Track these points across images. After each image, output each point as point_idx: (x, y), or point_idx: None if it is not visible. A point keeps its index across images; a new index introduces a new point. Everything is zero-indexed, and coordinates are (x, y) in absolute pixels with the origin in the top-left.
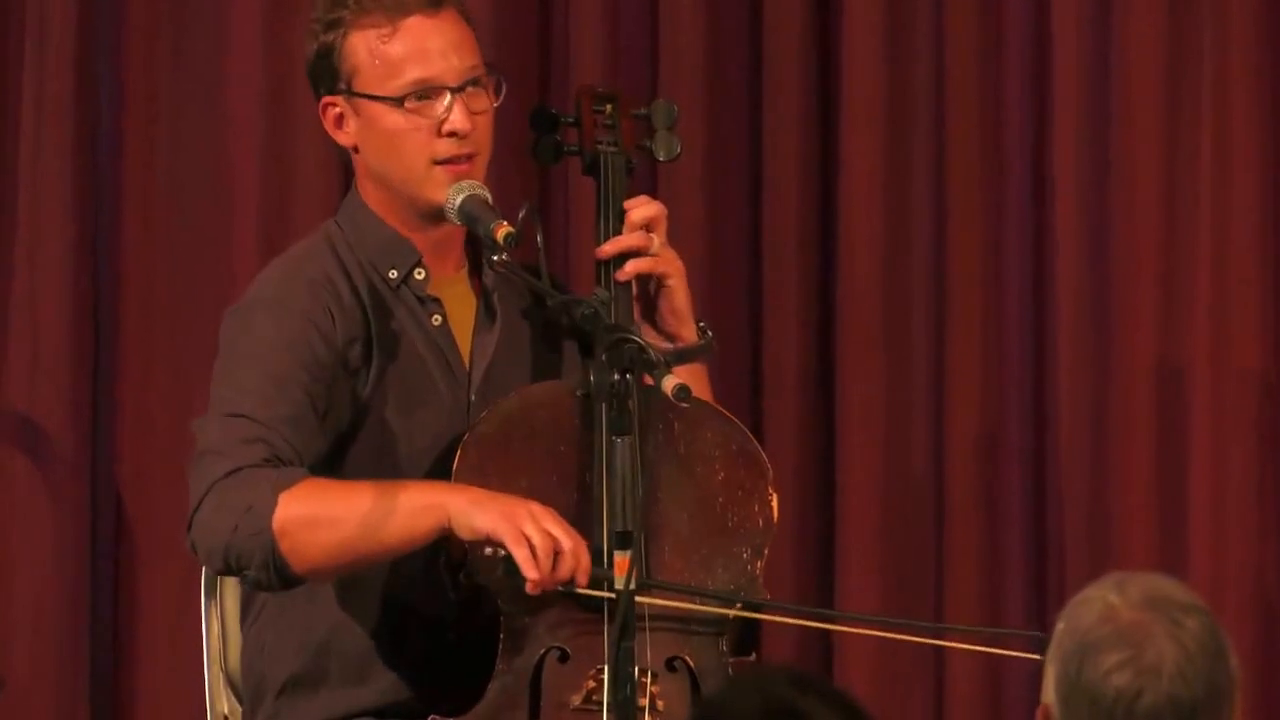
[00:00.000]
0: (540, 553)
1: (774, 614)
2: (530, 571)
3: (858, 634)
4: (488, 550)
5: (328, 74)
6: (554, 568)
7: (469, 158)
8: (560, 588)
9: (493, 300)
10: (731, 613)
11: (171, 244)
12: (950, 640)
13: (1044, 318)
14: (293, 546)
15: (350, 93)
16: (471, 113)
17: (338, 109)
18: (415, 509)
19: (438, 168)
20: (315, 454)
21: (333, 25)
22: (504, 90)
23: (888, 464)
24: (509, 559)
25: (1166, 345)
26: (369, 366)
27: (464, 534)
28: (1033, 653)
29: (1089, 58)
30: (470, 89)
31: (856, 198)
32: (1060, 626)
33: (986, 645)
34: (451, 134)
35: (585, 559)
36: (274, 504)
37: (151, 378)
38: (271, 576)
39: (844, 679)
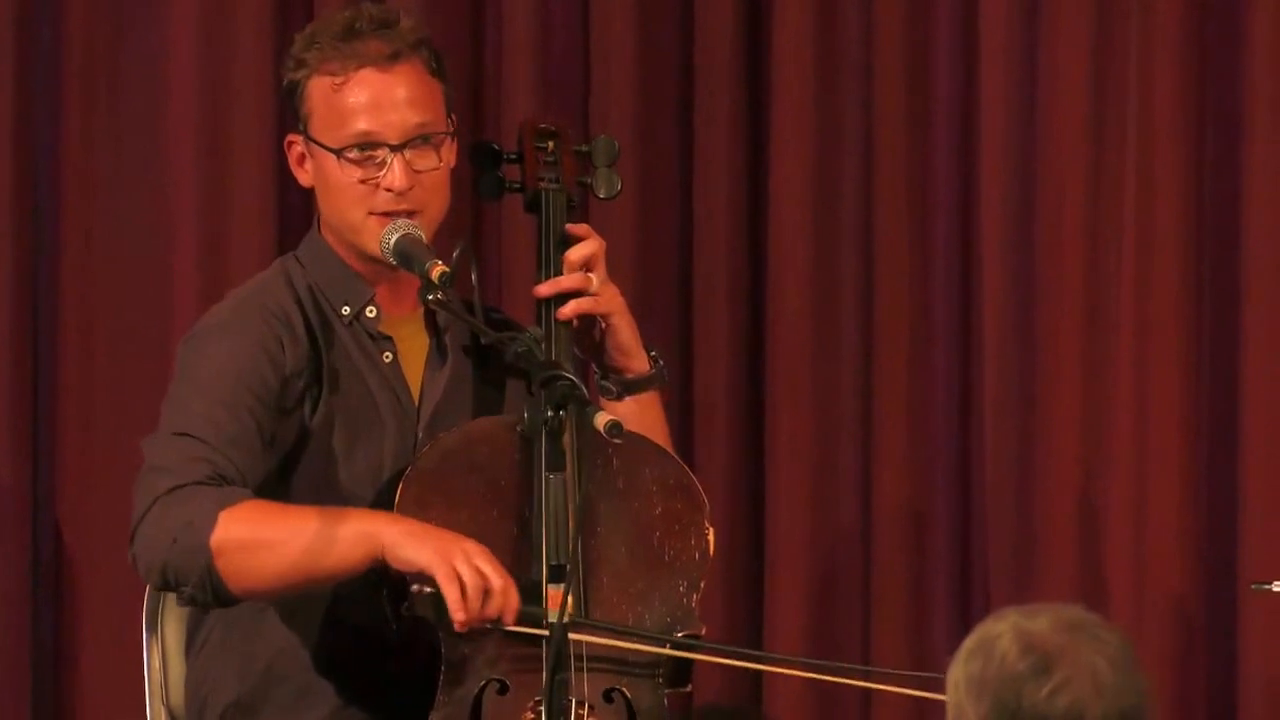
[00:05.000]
0: (470, 591)
1: (705, 654)
2: (458, 612)
3: (786, 672)
4: (415, 587)
5: (292, 112)
6: (483, 606)
7: (408, 214)
8: (489, 625)
9: (445, 340)
10: (665, 651)
11: (110, 278)
12: (876, 682)
13: (970, 361)
14: (229, 566)
15: (306, 135)
16: (415, 171)
17: (299, 148)
18: (351, 537)
19: (373, 218)
20: (259, 478)
21: (300, 65)
22: (451, 148)
23: (816, 498)
24: (438, 595)
25: (1090, 394)
26: (317, 397)
27: (397, 565)
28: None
29: (1014, 110)
30: (416, 146)
31: (786, 237)
32: (975, 666)
33: (911, 688)
34: (389, 189)
35: (514, 599)
36: (214, 522)
37: (92, 414)
38: (207, 594)
39: (772, 714)
